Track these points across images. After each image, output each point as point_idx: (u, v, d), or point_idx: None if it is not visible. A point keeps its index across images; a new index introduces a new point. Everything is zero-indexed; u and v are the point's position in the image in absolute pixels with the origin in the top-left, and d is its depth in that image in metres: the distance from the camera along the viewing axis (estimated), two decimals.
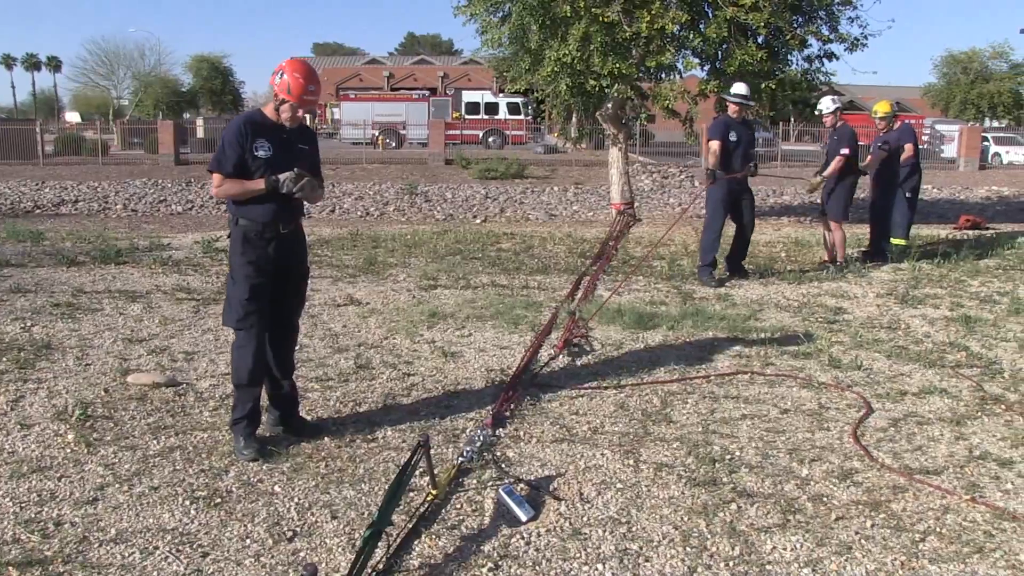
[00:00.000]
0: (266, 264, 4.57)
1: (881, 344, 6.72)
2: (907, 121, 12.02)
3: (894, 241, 10.75)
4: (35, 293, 7.97)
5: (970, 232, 13.76)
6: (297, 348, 6.39)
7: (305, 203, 4.88)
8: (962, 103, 57.63)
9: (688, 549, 3.67)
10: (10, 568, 3.44)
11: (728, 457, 4.58)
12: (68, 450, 4.57)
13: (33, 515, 3.88)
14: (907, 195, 10.81)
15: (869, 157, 10.95)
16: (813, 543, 3.71)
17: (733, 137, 9.11)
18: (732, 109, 9.30)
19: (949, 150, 37.31)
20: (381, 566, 3.48)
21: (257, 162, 4.50)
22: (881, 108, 10.75)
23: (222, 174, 4.51)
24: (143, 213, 16.54)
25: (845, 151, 9.86)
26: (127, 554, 3.59)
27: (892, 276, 9.58)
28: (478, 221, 14.50)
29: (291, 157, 4.57)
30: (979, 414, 5.26)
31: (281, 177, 4.45)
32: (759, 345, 6.64)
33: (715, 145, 9.08)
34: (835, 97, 10.29)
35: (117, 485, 4.19)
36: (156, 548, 3.64)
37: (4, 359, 5.97)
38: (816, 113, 10.42)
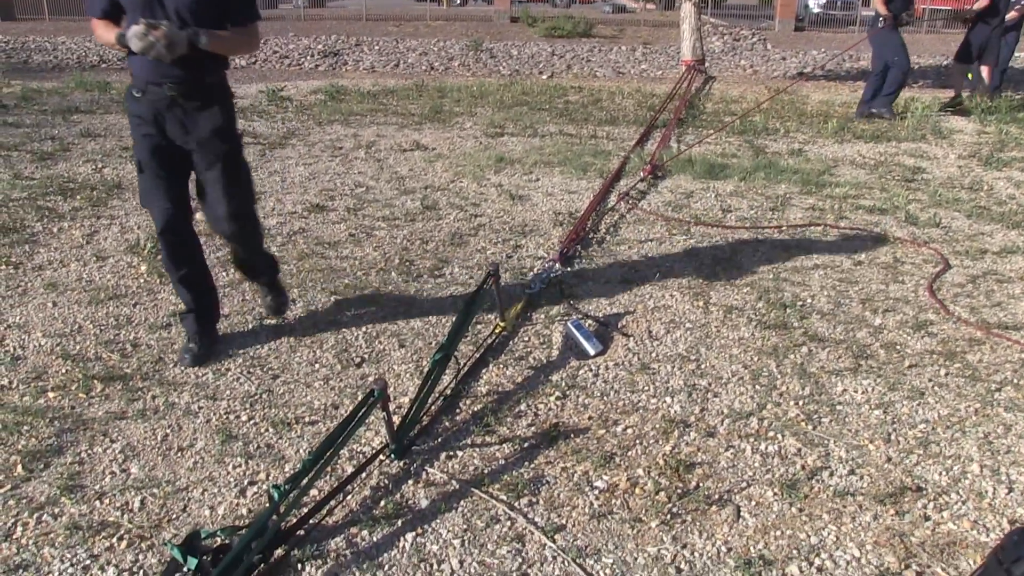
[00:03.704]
0: (154, 135, 3.51)
1: (961, 204, 6.47)
2: None
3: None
4: (104, 137, 8.03)
5: None
6: (362, 189, 6.41)
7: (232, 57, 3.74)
8: None
9: (758, 387, 3.63)
10: (95, 381, 3.56)
11: (799, 303, 4.49)
12: (141, 280, 4.66)
13: (112, 337, 3.99)
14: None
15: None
16: (885, 387, 3.65)
17: None
18: None
19: None
20: (449, 391, 3.52)
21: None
22: None
23: (92, 17, 3.48)
24: None
25: None
26: (200, 374, 3.67)
27: (976, 139, 9.16)
28: (544, 77, 14.16)
29: None
30: None
31: (130, 31, 3.22)
32: (833, 199, 6.44)
33: None
34: None
35: None
36: (228, 370, 3.71)
37: (78, 197, 6.06)
38: None
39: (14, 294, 4.44)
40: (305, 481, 2.53)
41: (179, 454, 3.10)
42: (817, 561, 2.61)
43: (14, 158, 7.08)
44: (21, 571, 2.51)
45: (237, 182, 3.69)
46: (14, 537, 2.64)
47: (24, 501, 2.81)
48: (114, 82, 11.57)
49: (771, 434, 3.28)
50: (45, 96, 10.16)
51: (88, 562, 2.54)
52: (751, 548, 2.66)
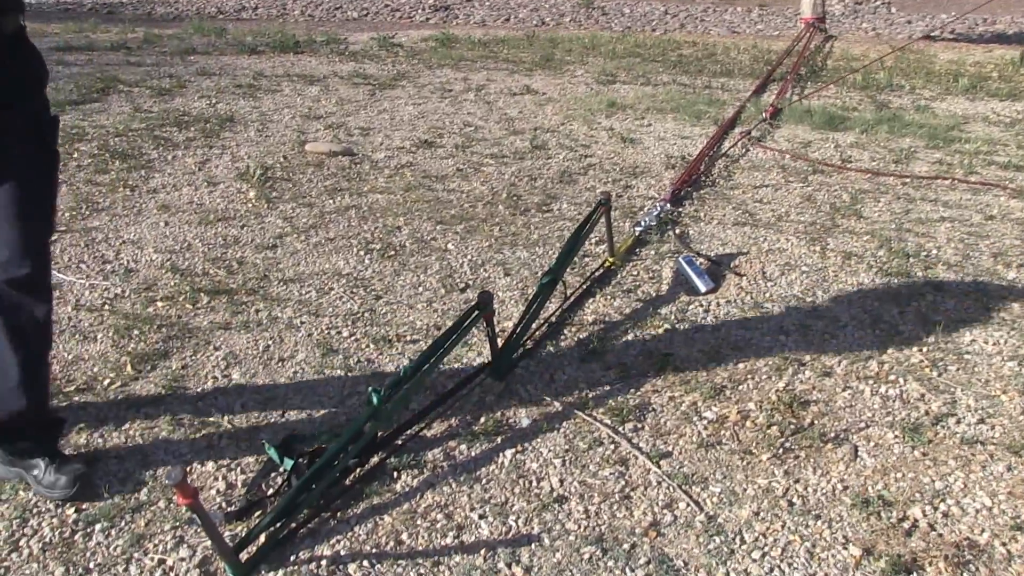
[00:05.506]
0: None
1: None
2: None
3: None
4: (219, 76, 8.16)
5: None
6: (471, 128, 6.33)
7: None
8: None
9: (878, 331, 3.43)
10: (201, 293, 3.61)
11: (924, 254, 4.23)
12: (250, 205, 4.70)
13: (219, 255, 4.03)
14: None
15: None
16: (1020, 340, 3.39)
17: None
18: None
19: None
20: (554, 319, 3.43)
21: None
22: None
23: None
24: (319, 18, 16.56)
25: None
26: (304, 292, 3.67)
27: None
28: (657, 33, 13.82)
29: None
30: None
31: None
32: (962, 154, 6.07)
33: None
34: None
35: (295, 235, 4.28)
36: (331, 289, 3.71)
37: (192, 128, 6.17)
38: None
39: (130, 213, 4.54)
40: (406, 387, 2.47)
41: (280, 364, 3.10)
42: (943, 507, 2.43)
43: (135, 93, 7.26)
44: (131, 457, 2.56)
45: (37, 202, 2.30)
46: (123, 428, 2.69)
47: (132, 397, 2.86)
48: (230, 29, 11.79)
49: (892, 377, 3.09)
50: (166, 40, 10.40)
51: (190, 456, 2.56)
52: (869, 488, 2.50)
